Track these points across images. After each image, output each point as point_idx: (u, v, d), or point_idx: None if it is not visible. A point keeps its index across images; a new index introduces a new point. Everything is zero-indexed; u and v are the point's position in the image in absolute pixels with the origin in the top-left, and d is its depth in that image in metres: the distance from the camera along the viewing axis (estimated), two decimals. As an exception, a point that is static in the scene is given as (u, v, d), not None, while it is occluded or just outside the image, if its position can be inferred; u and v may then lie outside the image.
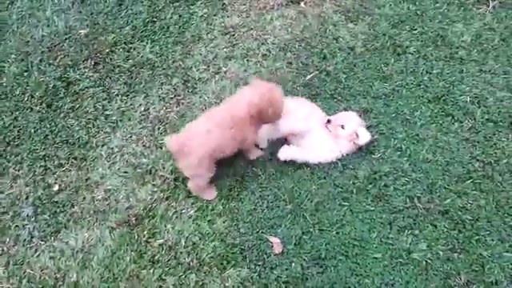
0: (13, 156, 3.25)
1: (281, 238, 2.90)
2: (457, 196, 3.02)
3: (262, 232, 2.94)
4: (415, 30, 3.77)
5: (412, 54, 3.65)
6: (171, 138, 2.82)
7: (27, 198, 3.10)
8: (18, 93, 3.50)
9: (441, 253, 2.84)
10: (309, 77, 3.55)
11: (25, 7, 3.98)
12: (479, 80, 3.48)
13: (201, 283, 2.79)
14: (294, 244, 2.89)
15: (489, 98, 3.39)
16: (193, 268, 2.84)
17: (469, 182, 3.07)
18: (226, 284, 2.79)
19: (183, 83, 3.57)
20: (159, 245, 2.92)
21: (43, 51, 3.71)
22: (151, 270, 2.83)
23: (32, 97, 3.49)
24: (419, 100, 3.42)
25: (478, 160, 3.15)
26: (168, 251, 2.89)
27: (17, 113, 3.42)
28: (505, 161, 3.13)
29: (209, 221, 3.00)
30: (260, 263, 2.84)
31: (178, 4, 3.97)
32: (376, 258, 2.82)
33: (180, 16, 3.91)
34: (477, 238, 2.88)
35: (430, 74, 3.54)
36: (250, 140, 3.00)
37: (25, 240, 2.95)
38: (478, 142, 3.22)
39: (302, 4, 3.98)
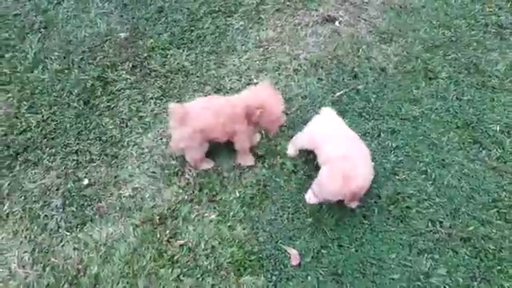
0: (48, 148, 3.40)
1: (299, 250, 2.94)
2: (480, 224, 3.01)
3: (281, 242, 2.98)
4: (449, 55, 3.80)
5: (443, 79, 3.68)
6: (175, 105, 2.95)
7: (57, 189, 3.23)
8: (57, 88, 3.68)
9: (460, 280, 2.82)
10: (338, 94, 3.61)
11: (70, 8, 4.19)
12: (511, 110, 3.48)
13: (217, 287, 2.84)
14: (312, 257, 2.91)
15: (519, 128, 3.38)
16: (210, 271, 2.89)
17: (494, 210, 3.06)
18: (242, 290, 2.83)
19: (215, 91, 3.68)
20: (180, 245, 2.99)
21: (84, 51, 3.90)
22: (170, 270, 2.89)
23: (70, 93, 3.65)
24: (447, 125, 3.43)
25: (504, 190, 3.14)
26: (187, 252, 2.96)
27: (55, 107, 3.58)
28: (532, 193, 3.10)
29: (229, 226, 3.06)
30: (276, 273, 2.87)
31: (216, 15, 4.12)
32: (393, 279, 2.82)
33: (217, 27, 4.05)
34: (499, 268, 2.86)
35: (461, 100, 3.55)
36: (240, 138, 3.09)
37: (51, 229, 3.07)
38: (505, 172, 3.21)
39: (337, 23, 4.07)
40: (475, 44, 3.85)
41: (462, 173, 3.21)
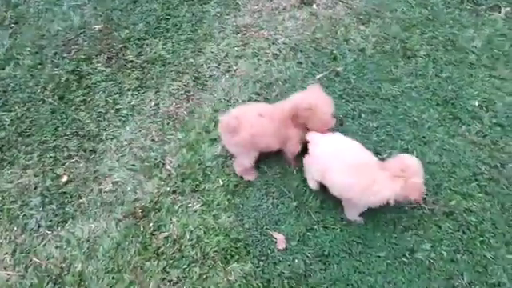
0: (23, 146, 3.32)
1: (285, 235, 2.94)
2: (462, 198, 3.04)
3: (267, 228, 2.97)
4: (426, 34, 3.80)
5: (422, 57, 3.68)
6: (228, 118, 2.86)
7: (36, 188, 3.16)
8: (31, 85, 3.59)
9: (444, 253, 2.85)
10: (318, 76, 3.59)
11: (42, 2, 4.08)
12: (488, 85, 3.50)
13: (204, 276, 2.83)
14: (298, 240, 2.91)
15: (497, 102, 3.41)
16: (197, 261, 2.87)
17: (474, 184, 3.09)
18: (230, 278, 2.82)
19: (194, 80, 3.62)
20: (164, 237, 2.96)
21: (58, 45, 3.80)
22: (155, 262, 2.87)
23: (45, 89, 3.57)
24: (427, 103, 3.44)
25: (484, 163, 3.17)
26: (172, 244, 2.93)
27: (29, 104, 3.50)
28: (511, 165, 3.14)
29: (214, 215, 3.04)
30: (263, 258, 2.87)
31: (191, 2, 4.04)
32: (379, 257, 2.84)
33: (193, 14, 3.98)
34: (481, 239, 2.89)
35: (439, 77, 3.56)
36: (293, 143, 3.01)
37: (32, 229, 3.01)
38: (484, 146, 3.24)
39: (314, 6, 4.03)
40: (451, 21, 3.85)
41: (443, 149, 3.23)
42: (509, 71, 3.55)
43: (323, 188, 2.94)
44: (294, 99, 2.94)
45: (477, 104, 3.41)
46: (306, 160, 2.93)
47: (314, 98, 2.89)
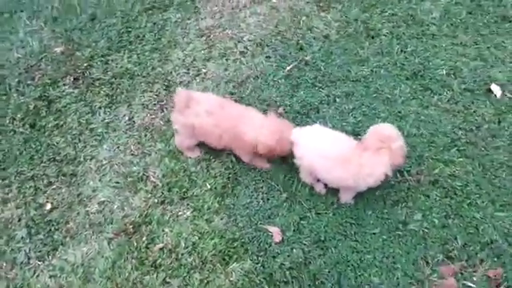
0: (0, 180, 3.25)
1: (279, 227, 2.97)
2: (444, 165, 3.14)
3: (261, 223, 3.00)
4: (385, 12, 3.93)
5: (385, 35, 3.79)
6: (182, 91, 2.98)
7: (19, 220, 3.10)
8: (-2, 117, 3.52)
9: (436, 221, 2.94)
10: (288, 68, 3.66)
11: (-4, 32, 4.01)
12: (452, 53, 3.64)
13: (206, 281, 2.83)
14: (293, 230, 2.96)
15: (463, 68, 3.54)
16: (196, 267, 2.88)
17: (454, 150, 3.20)
18: (231, 278, 2.83)
19: (165, 89, 3.63)
20: (159, 249, 2.95)
21: (20, 73, 3.74)
22: (154, 275, 2.86)
23: (14, 119, 3.51)
24: (397, 78, 3.55)
25: (460, 128, 3.29)
26: (169, 254, 2.93)
27: (0, 137, 3.42)
28: (485, 126, 3.28)
29: (206, 220, 3.05)
30: (262, 254, 2.90)
31: (151, 12, 4.06)
32: (374, 234, 2.91)
33: (154, 23, 4.00)
34: (468, 202, 3.00)
35: (405, 52, 3.68)
36: (240, 154, 3.12)
37: (22, 262, 2.95)
38: (458, 112, 3.36)
39: (273, -1, 4.10)
40: (408, -3, 3.99)
41: (419, 120, 3.34)
42: (469, 37, 3.70)
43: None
44: (256, 134, 2.90)
45: (444, 73, 3.54)
46: (296, 160, 2.98)
47: (278, 133, 2.88)
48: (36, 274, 2.90)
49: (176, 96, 2.97)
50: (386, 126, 2.78)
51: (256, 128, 2.90)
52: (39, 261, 2.95)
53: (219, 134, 2.98)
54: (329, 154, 2.78)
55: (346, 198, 3.00)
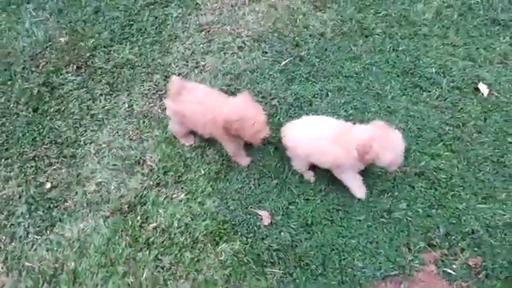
0: (3, 159, 3.48)
1: (269, 211, 3.18)
2: (431, 158, 3.35)
3: (251, 207, 3.21)
4: (379, 13, 4.16)
5: (378, 34, 4.02)
6: (176, 79, 3.14)
7: (20, 197, 3.32)
8: (2, 100, 3.75)
9: (420, 210, 3.14)
10: (283, 63, 3.89)
11: (3, 21, 4.26)
12: (443, 52, 3.87)
13: (196, 259, 3.03)
14: (282, 214, 3.16)
15: (452, 67, 3.77)
16: (187, 246, 3.08)
17: (440, 144, 3.41)
18: (221, 258, 3.03)
19: (164, 79, 3.86)
20: (153, 228, 3.16)
21: (25, 60, 3.98)
22: (147, 252, 3.06)
23: (17, 103, 3.74)
24: (388, 75, 3.77)
25: (447, 124, 3.50)
26: (162, 233, 3.13)
27: (3, 119, 3.66)
28: (472, 123, 3.49)
29: (199, 202, 3.26)
30: (251, 235, 3.10)
31: (153, 7, 4.30)
32: (360, 220, 3.11)
33: (156, 18, 4.24)
34: (452, 193, 3.20)
35: (397, 51, 3.91)
36: (224, 141, 3.24)
37: (21, 236, 3.16)
38: (446, 108, 3.58)
39: (272, -2, 4.35)
40: (402, -1, 4.24)
41: (408, 116, 3.55)
42: (459, 38, 3.93)
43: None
44: (225, 111, 2.98)
45: (434, 71, 3.76)
46: (290, 155, 3.20)
47: (242, 109, 2.95)
48: (34, 248, 3.11)
49: (170, 83, 3.18)
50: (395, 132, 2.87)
51: (226, 107, 3.02)
52: (37, 235, 3.15)
53: (204, 122, 3.14)
54: (320, 135, 2.97)
55: (355, 186, 3.14)
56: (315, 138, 3.01)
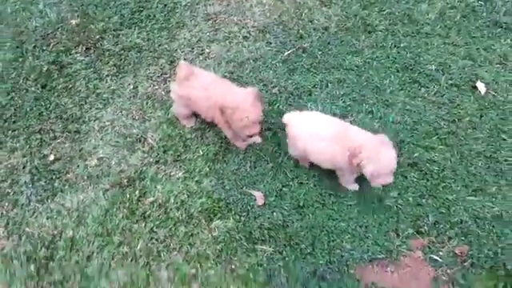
0: (10, 131, 3.65)
1: (263, 192, 3.31)
2: (424, 150, 3.47)
3: (246, 188, 3.34)
4: (384, 10, 4.30)
5: (381, 31, 4.16)
6: (184, 64, 3.32)
7: (24, 167, 3.49)
8: (13, 76, 3.94)
9: (411, 199, 3.26)
10: (286, 53, 4.04)
11: (18, 2, 4.46)
12: (443, 51, 3.99)
13: (190, 234, 3.17)
14: (275, 196, 3.30)
15: (452, 65, 3.89)
16: (182, 221, 3.22)
17: (435, 138, 3.53)
18: (214, 234, 3.17)
19: (169, 64, 4.03)
20: (150, 202, 3.31)
21: (37, 39, 4.17)
22: (143, 224, 3.21)
23: (27, 79, 3.92)
24: (388, 70, 3.90)
25: (443, 119, 3.62)
26: (158, 208, 3.28)
27: (13, 93, 3.84)
28: (467, 119, 3.60)
29: (196, 181, 3.40)
30: (244, 214, 3.23)
31: (162, -6, 4.49)
32: (351, 205, 3.24)
33: (165, 5, 4.41)
34: (443, 185, 3.32)
35: (398, 47, 4.04)
36: (221, 125, 3.36)
37: (23, 204, 3.33)
38: (443, 104, 3.70)
39: (279, -9, 4.51)
40: (407, -2, 4.38)
41: (405, 109, 3.68)
42: (461, 38, 4.06)
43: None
44: (226, 95, 3.16)
45: (433, 68, 3.88)
46: (288, 143, 3.31)
47: (241, 100, 3.09)
48: (35, 215, 3.27)
49: (178, 67, 3.35)
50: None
51: (228, 94, 3.18)
52: (39, 204, 3.32)
53: (208, 106, 3.29)
54: (321, 134, 3.06)
55: (345, 181, 3.26)
56: (315, 136, 3.07)
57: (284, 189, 3.32)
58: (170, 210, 3.27)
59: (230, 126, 3.25)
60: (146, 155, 3.52)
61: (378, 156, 2.88)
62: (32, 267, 3.07)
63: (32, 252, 3.09)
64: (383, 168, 2.90)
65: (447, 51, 3.99)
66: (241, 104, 3.08)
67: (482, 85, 3.77)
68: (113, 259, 3.09)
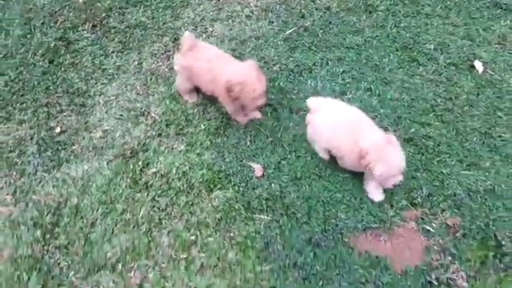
0: (18, 104, 3.81)
1: (262, 164, 3.43)
2: (421, 126, 3.57)
3: (246, 160, 3.47)
4: (385, -9, 4.39)
5: (382, 11, 4.25)
6: (189, 34, 3.46)
7: (32, 138, 3.64)
8: (22, 51, 4.09)
9: (406, 172, 3.35)
10: (288, 32, 4.14)
11: (26, -20, 4.60)
12: (443, 31, 4.08)
13: (190, 203, 3.31)
14: (274, 168, 3.42)
15: (451, 45, 3.98)
16: (183, 191, 3.36)
17: (432, 114, 3.63)
18: (214, 203, 3.30)
19: (173, 41, 4.15)
20: (152, 173, 3.44)
21: (45, 16, 4.32)
22: (145, 193, 3.34)
23: (35, 54, 4.07)
24: (388, 49, 4.00)
25: (440, 97, 3.71)
26: (160, 178, 3.42)
27: (21, 68, 3.99)
28: (464, 96, 3.70)
29: (197, 154, 3.53)
30: (243, 185, 3.36)
31: (168, -26, 4.59)
32: (346, 177, 3.35)
33: (170, -16, 4.53)
34: (438, 159, 3.42)
35: (398, 27, 4.13)
36: (223, 100, 3.50)
37: (30, 173, 3.48)
38: (440, 82, 3.79)
39: (282, -28, 4.60)
40: (408, -21, 4.45)
41: (403, 87, 3.78)
42: (460, 19, 4.14)
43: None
44: (228, 72, 3.28)
45: (432, 47, 3.97)
46: (309, 130, 3.37)
47: (246, 74, 3.24)
48: (41, 184, 3.42)
49: (182, 38, 3.47)
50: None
51: (230, 70, 3.33)
52: (45, 173, 3.46)
53: (209, 79, 3.43)
54: (344, 123, 3.13)
55: (371, 190, 3.26)
56: (340, 133, 3.13)
57: (282, 161, 3.44)
58: (172, 180, 3.40)
59: (235, 102, 3.37)
60: (149, 128, 3.65)
61: (386, 155, 2.96)
62: (38, 232, 3.21)
63: (38, 218, 3.24)
64: (391, 169, 2.99)
65: (446, 31, 4.08)
66: (247, 79, 3.22)
67: (480, 64, 3.86)
68: (116, 225, 3.24)
